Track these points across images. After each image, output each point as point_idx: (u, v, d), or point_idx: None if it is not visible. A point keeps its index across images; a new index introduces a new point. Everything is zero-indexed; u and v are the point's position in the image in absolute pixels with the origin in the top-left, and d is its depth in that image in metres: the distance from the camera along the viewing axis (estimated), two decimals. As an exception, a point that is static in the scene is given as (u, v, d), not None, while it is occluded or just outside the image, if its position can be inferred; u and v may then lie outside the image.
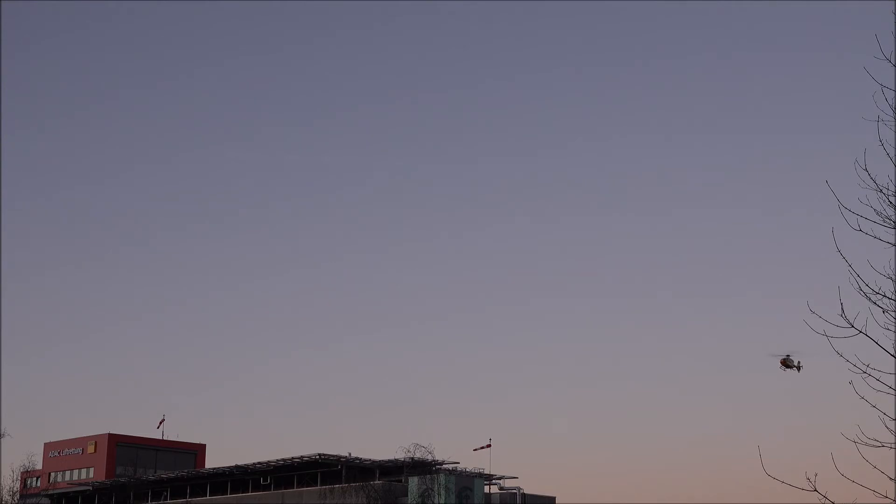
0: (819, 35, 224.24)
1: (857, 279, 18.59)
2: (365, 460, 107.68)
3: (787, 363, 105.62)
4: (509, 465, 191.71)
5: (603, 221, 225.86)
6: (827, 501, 18.75)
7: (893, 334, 18.21)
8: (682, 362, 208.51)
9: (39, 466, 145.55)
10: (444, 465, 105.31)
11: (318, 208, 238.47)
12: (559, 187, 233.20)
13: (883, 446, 18.31)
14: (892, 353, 18.15)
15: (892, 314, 18.30)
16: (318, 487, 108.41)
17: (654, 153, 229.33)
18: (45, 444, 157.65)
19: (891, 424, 18.17)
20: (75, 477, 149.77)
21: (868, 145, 18.73)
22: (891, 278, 18.38)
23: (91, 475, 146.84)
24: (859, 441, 18.47)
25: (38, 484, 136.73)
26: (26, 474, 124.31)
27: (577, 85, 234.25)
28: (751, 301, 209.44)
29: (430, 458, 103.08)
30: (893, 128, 18.60)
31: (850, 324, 18.62)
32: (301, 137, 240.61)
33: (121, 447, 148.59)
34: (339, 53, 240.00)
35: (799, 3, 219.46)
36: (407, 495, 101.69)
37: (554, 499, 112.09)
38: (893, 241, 18.47)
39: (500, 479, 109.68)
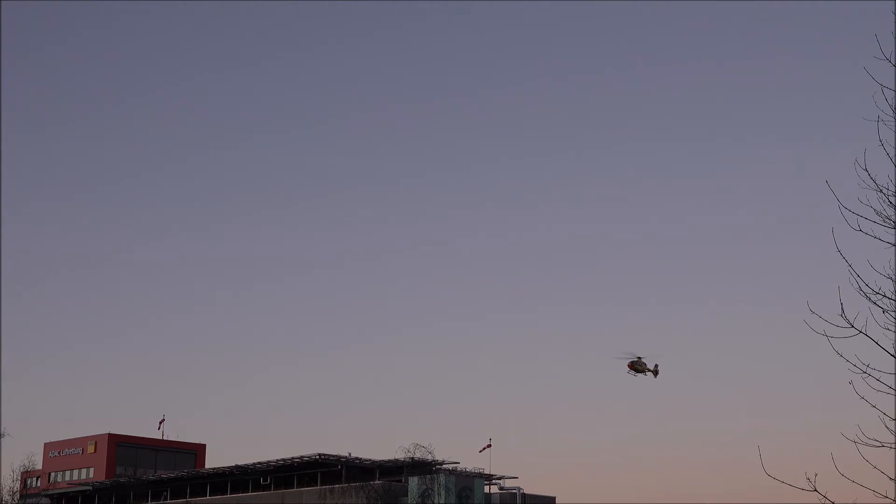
0: (819, 35, 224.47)
1: (857, 279, 18.59)
2: (365, 460, 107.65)
3: (636, 367, 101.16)
4: (509, 465, 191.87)
5: (603, 222, 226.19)
6: (827, 501, 18.73)
7: (893, 334, 18.20)
8: (681, 362, 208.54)
9: (39, 466, 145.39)
10: (444, 465, 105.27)
11: (318, 212, 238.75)
12: (558, 189, 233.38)
13: (883, 446, 18.30)
14: (892, 353, 18.14)
15: (892, 314, 18.29)
16: (318, 487, 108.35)
17: (654, 154, 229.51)
18: (45, 444, 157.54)
19: (891, 424, 18.17)
20: (75, 477, 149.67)
21: (868, 145, 18.74)
22: (891, 278, 18.37)
23: (91, 475, 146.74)
24: (859, 441, 18.47)
25: (38, 484, 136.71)
26: (26, 474, 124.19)
27: (578, 86, 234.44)
28: (750, 300, 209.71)
29: (430, 458, 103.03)
30: (893, 128, 18.59)
31: (850, 324, 18.61)
32: (302, 139, 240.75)
33: (121, 447, 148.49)
34: (342, 55, 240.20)
35: (799, 3, 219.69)
36: (407, 495, 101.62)
37: (554, 499, 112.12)
38: (893, 241, 18.46)
39: (500, 479, 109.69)
